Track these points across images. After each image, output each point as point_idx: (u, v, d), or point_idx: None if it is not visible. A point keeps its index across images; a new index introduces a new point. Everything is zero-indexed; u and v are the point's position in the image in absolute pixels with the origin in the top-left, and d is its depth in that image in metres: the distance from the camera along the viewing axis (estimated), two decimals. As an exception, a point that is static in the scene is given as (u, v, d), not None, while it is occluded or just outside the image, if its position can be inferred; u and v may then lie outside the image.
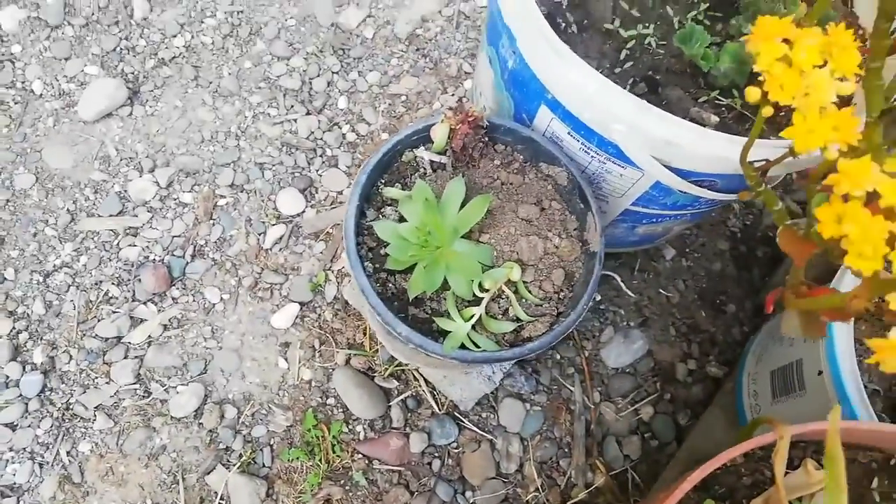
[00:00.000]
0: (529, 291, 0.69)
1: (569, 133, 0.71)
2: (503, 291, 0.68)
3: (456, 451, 1.02)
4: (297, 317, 1.06)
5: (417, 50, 1.29)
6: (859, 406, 0.62)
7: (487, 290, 0.66)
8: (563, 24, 0.72)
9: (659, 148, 0.64)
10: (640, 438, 1.06)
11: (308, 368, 1.04)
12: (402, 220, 0.68)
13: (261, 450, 0.99)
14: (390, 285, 0.68)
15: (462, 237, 0.67)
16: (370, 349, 1.04)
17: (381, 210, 0.70)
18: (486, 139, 0.73)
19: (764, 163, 0.46)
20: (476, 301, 0.67)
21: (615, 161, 0.70)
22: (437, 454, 1.02)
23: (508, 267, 0.67)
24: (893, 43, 0.48)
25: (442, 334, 0.66)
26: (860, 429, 0.52)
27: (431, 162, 0.72)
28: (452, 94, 1.25)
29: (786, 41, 0.38)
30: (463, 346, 0.64)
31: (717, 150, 0.60)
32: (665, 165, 0.66)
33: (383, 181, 0.72)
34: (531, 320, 0.67)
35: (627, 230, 0.87)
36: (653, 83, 0.70)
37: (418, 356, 0.75)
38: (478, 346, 0.65)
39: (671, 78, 0.70)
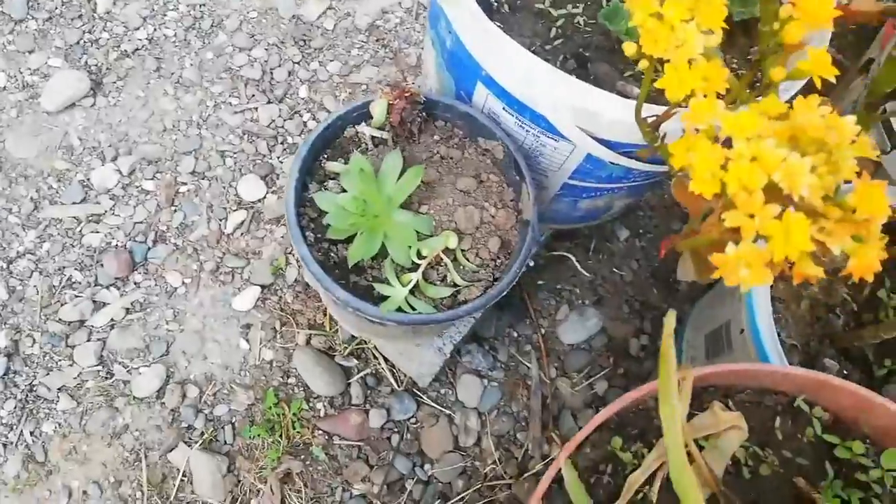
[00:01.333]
0: (467, 259, 0.72)
1: (504, 109, 0.74)
2: (441, 259, 0.71)
3: (414, 426, 1.05)
4: (258, 299, 1.09)
5: (377, 40, 1.32)
6: (776, 359, 0.66)
7: (425, 258, 0.69)
8: (496, 5, 0.75)
9: (584, 119, 0.67)
10: (594, 412, 1.10)
11: (269, 349, 1.06)
12: (343, 193, 0.71)
13: (222, 428, 1.01)
14: (332, 255, 0.71)
15: (401, 208, 0.70)
16: (330, 329, 1.07)
17: (324, 184, 0.73)
18: (425, 115, 0.76)
19: (655, 118, 0.50)
20: (414, 268, 0.70)
21: (548, 135, 0.73)
22: (395, 429, 1.04)
23: (446, 235, 0.70)
24: (780, 9, 0.52)
25: (383, 300, 0.69)
26: (763, 371, 0.56)
27: (372, 137, 0.75)
28: (413, 83, 1.28)
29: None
30: (401, 311, 0.67)
31: (634, 118, 0.63)
32: (593, 137, 0.70)
33: (326, 156, 0.75)
34: (467, 285, 0.70)
35: (570, 205, 0.91)
36: (582, 60, 0.74)
37: (363, 324, 0.78)
38: (415, 310, 0.68)
39: (599, 54, 0.74)
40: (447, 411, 1.06)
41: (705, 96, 0.39)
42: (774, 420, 0.57)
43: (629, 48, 0.42)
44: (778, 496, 0.55)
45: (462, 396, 1.07)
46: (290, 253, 1.12)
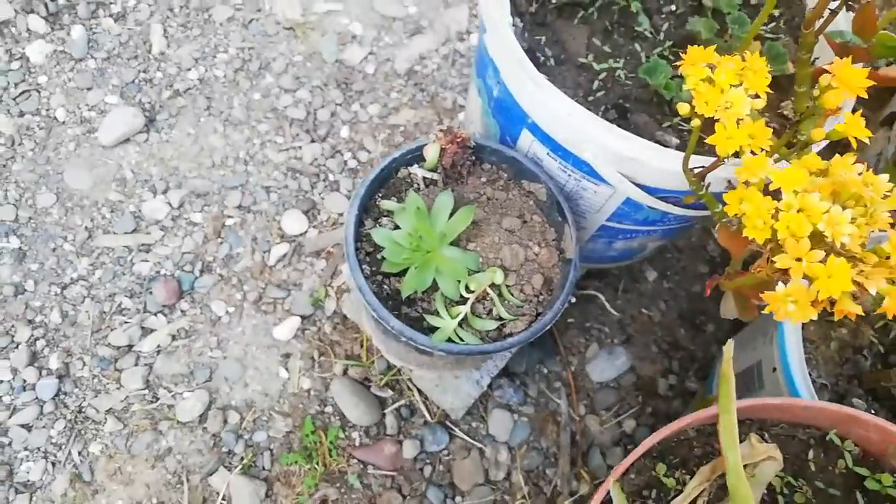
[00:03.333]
0: (511, 294, 0.76)
1: (547, 154, 0.79)
2: (488, 294, 0.75)
3: (447, 457, 1.08)
4: (298, 329, 1.13)
5: (415, 85, 1.38)
6: (807, 397, 0.69)
7: (473, 292, 0.73)
8: (542, 59, 0.80)
9: (625, 165, 0.72)
10: (623, 450, 1.12)
11: (307, 378, 1.10)
12: (397, 229, 0.76)
13: (261, 453, 1.05)
14: (385, 287, 0.76)
15: (451, 244, 0.75)
16: (367, 360, 1.11)
17: (378, 220, 0.78)
18: (474, 159, 0.81)
19: (701, 169, 0.54)
20: (463, 302, 0.74)
21: (589, 179, 0.78)
22: (428, 460, 1.07)
23: (492, 271, 0.75)
24: (814, 72, 0.57)
25: (431, 331, 0.73)
26: (797, 406, 0.59)
27: (424, 178, 0.80)
28: (448, 126, 1.34)
29: (711, 66, 0.47)
30: (450, 341, 0.71)
31: (674, 167, 0.67)
32: (632, 182, 0.74)
33: (380, 195, 0.80)
34: (512, 319, 0.74)
35: (605, 245, 0.95)
36: (622, 110, 0.79)
37: (410, 354, 0.82)
38: (463, 341, 0.72)
39: (638, 106, 0.79)
40: (478, 444, 1.08)
41: (752, 152, 0.43)
42: (807, 452, 0.60)
43: (682, 108, 0.46)
44: (813, 527, 0.58)
45: (493, 430, 1.10)
46: (328, 286, 1.17)
